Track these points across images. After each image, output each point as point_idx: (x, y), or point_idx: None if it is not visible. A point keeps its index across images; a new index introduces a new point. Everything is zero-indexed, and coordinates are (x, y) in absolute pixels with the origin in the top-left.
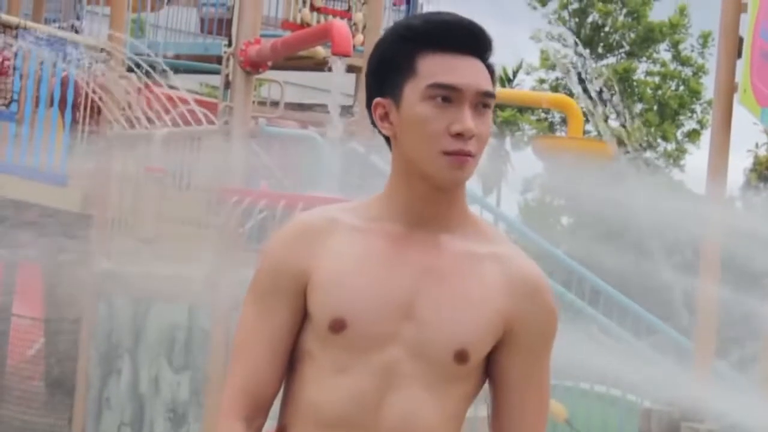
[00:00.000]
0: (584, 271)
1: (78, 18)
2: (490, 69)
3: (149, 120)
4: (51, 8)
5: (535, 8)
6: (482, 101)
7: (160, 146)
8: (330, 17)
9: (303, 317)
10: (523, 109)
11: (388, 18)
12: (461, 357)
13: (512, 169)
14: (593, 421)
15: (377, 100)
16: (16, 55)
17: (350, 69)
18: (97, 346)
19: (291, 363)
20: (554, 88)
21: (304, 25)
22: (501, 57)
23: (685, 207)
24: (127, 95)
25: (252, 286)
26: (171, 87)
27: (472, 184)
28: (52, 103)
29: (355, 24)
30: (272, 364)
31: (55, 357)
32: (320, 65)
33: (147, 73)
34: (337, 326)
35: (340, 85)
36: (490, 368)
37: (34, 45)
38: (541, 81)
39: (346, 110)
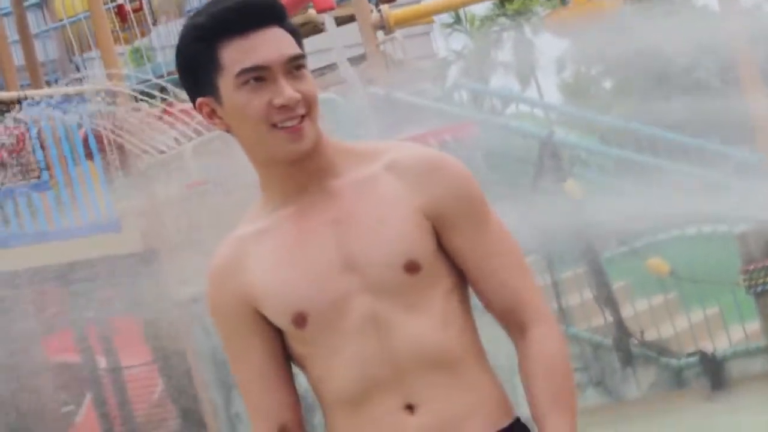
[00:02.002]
0: (639, 126)
1: (78, 69)
2: (292, 31)
3: (176, 140)
4: (48, 69)
5: None
6: (294, 65)
7: (193, 160)
8: None
9: (277, 332)
10: None
11: None
12: (412, 268)
13: (539, 57)
14: (695, 263)
15: (200, 100)
16: (27, 126)
17: (346, 20)
18: (209, 369)
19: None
20: None
21: None
22: None
23: (709, 27)
24: (145, 125)
25: (219, 333)
26: (184, 101)
27: (508, 83)
28: (79, 159)
29: None
30: (276, 391)
31: (179, 392)
32: (321, 29)
33: (158, 98)
34: (301, 320)
35: (337, 39)
36: (449, 256)
37: (41, 111)
38: None
39: (360, 59)
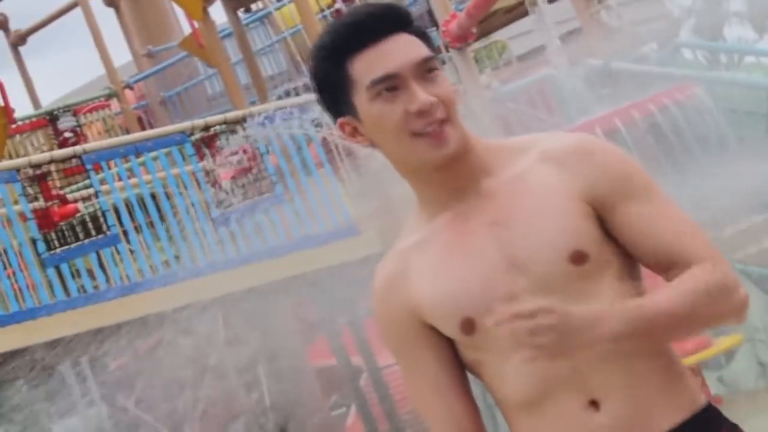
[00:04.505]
0: None
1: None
2: (420, 33)
3: None
4: (278, 82)
5: None
6: (425, 68)
7: None
8: None
9: (448, 342)
10: None
11: None
12: (578, 258)
13: None
14: None
15: (340, 121)
16: (257, 143)
17: None
18: None
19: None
20: None
21: None
22: None
23: None
24: None
25: (391, 351)
26: None
27: (745, 35)
28: (310, 169)
29: None
30: (453, 401)
31: None
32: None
33: None
34: (469, 327)
35: (548, 16)
36: (616, 238)
37: (265, 125)
38: None
39: (577, 32)
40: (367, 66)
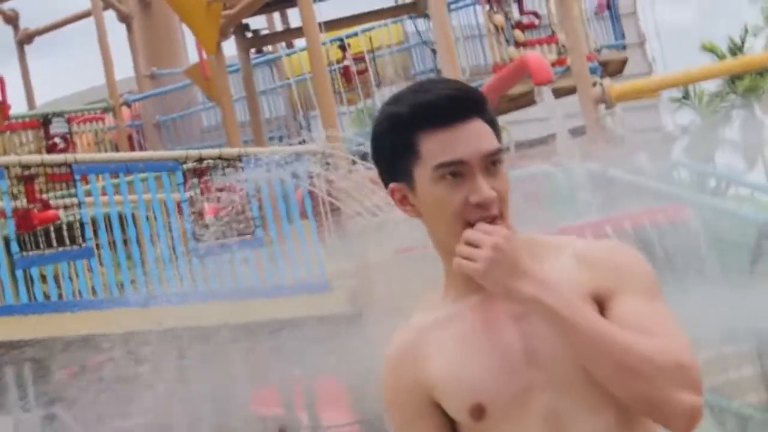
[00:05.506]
0: None
1: (302, 127)
2: (491, 122)
3: (389, 204)
4: (274, 126)
5: None
6: (491, 160)
7: (405, 225)
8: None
9: (451, 424)
10: (762, 72)
11: (594, 30)
12: None
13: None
14: None
15: (392, 186)
16: (245, 181)
17: (568, 91)
18: None
19: None
20: None
21: None
22: (723, 27)
23: None
24: (360, 187)
25: (390, 421)
26: None
27: (734, 163)
28: (293, 218)
29: (563, 45)
30: None
31: None
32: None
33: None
34: (478, 412)
35: (557, 111)
36: None
37: (259, 168)
38: None
39: (580, 130)
40: (439, 146)
